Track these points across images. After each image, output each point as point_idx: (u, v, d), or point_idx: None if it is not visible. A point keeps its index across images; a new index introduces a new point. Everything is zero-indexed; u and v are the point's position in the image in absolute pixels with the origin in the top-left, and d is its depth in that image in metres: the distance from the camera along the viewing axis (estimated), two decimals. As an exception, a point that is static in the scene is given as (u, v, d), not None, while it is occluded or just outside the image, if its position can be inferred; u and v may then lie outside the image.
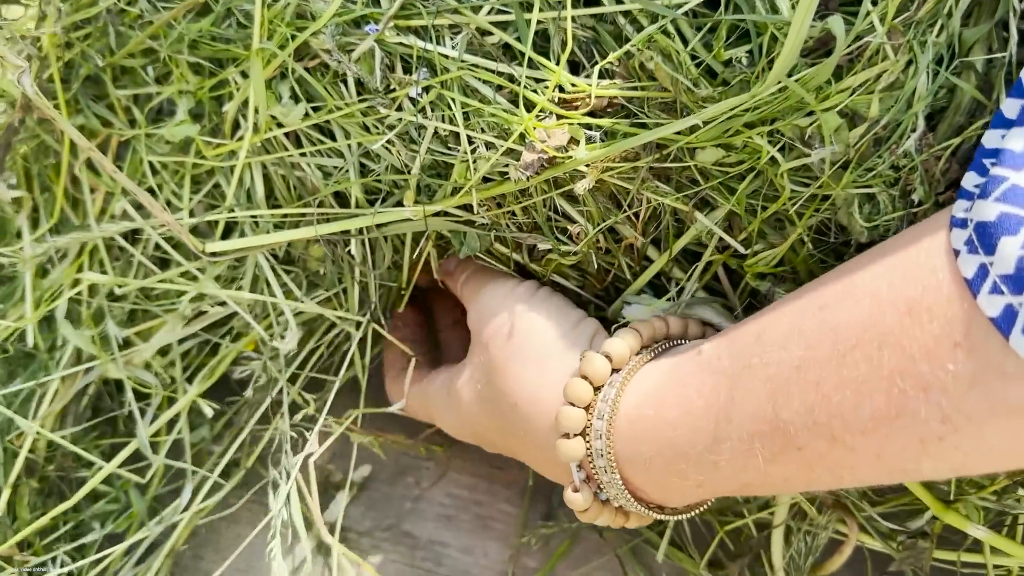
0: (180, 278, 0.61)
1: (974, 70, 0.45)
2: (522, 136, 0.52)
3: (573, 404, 0.43)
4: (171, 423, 0.69)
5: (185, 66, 0.56)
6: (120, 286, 0.61)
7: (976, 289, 0.28)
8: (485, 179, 0.56)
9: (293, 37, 0.53)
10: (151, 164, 0.60)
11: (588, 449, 0.43)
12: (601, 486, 0.44)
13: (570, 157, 0.50)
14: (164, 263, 0.66)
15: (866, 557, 0.65)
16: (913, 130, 0.44)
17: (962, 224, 0.31)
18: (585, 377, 0.44)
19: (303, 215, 0.63)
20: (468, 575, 0.71)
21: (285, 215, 0.63)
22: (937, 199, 0.45)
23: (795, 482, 0.36)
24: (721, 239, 0.51)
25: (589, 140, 0.51)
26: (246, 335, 0.67)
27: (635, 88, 0.49)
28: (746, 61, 0.44)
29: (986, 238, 0.28)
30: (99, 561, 0.65)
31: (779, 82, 0.41)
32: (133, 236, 0.66)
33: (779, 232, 0.48)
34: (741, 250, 0.50)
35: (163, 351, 0.67)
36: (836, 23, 0.40)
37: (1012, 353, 0.26)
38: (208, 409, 0.66)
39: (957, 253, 0.30)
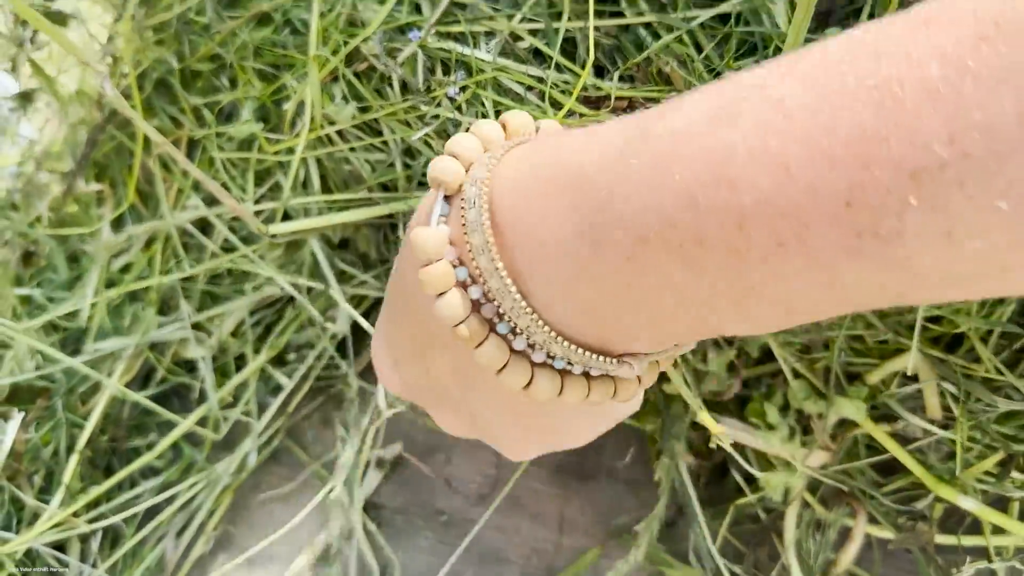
0: (244, 259, 0.68)
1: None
2: (549, 135, 0.57)
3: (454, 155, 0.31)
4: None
5: (251, 72, 0.63)
6: (193, 265, 0.69)
7: None
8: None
9: (345, 43, 0.59)
10: (219, 161, 0.67)
11: (463, 183, 0.30)
12: (470, 248, 0.29)
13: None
14: (229, 253, 0.74)
15: (873, 544, 0.66)
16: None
17: None
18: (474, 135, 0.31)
19: (352, 201, 0.70)
20: (500, 553, 0.71)
21: (336, 201, 0.70)
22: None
23: (719, 270, 0.23)
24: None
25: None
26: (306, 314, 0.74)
27: (653, 91, 0.54)
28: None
29: None
30: (153, 515, 0.72)
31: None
32: (202, 229, 0.73)
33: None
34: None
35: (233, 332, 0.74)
36: (835, 33, 0.44)
37: None
38: (284, 379, 0.73)
39: None
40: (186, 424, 0.70)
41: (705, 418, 0.55)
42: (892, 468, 0.64)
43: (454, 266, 0.29)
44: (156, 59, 0.65)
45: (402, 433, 0.78)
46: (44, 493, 0.72)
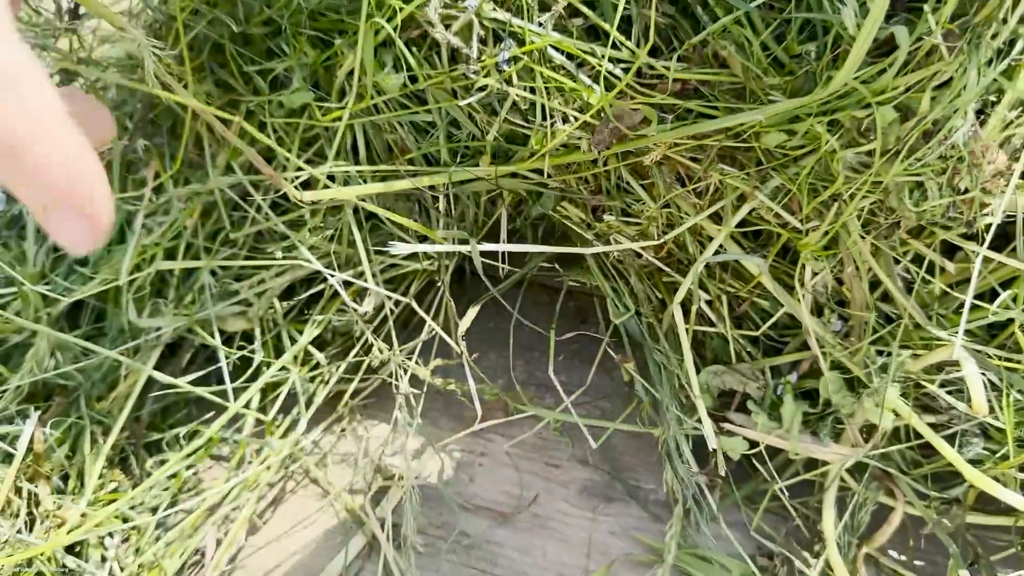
0: (284, 230, 0.68)
1: (1027, 69, 0.49)
2: (599, 112, 0.57)
3: None
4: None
5: (304, 39, 0.63)
6: (235, 230, 0.69)
7: None
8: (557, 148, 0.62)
9: (400, 10, 0.59)
10: (270, 126, 0.68)
11: None
12: None
13: (644, 135, 0.55)
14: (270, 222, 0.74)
15: (907, 524, 0.66)
16: (962, 124, 0.48)
17: None
18: None
19: (393, 172, 0.70)
20: (525, 576, 0.69)
21: (377, 170, 0.70)
22: (982, 188, 0.50)
23: None
24: (779, 216, 0.56)
25: (661, 120, 0.56)
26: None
27: (708, 74, 0.54)
28: (814, 55, 0.49)
29: None
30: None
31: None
32: (247, 199, 0.74)
33: (834, 216, 0.53)
34: (798, 226, 0.55)
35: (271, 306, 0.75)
36: (901, 32, 0.44)
37: None
38: (321, 356, 0.74)
39: None
40: (236, 407, 0.71)
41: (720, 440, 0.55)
42: (929, 447, 0.64)
43: None
44: (209, 21, 0.65)
45: (424, 452, 0.77)
46: (60, 493, 0.70)
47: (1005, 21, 0.46)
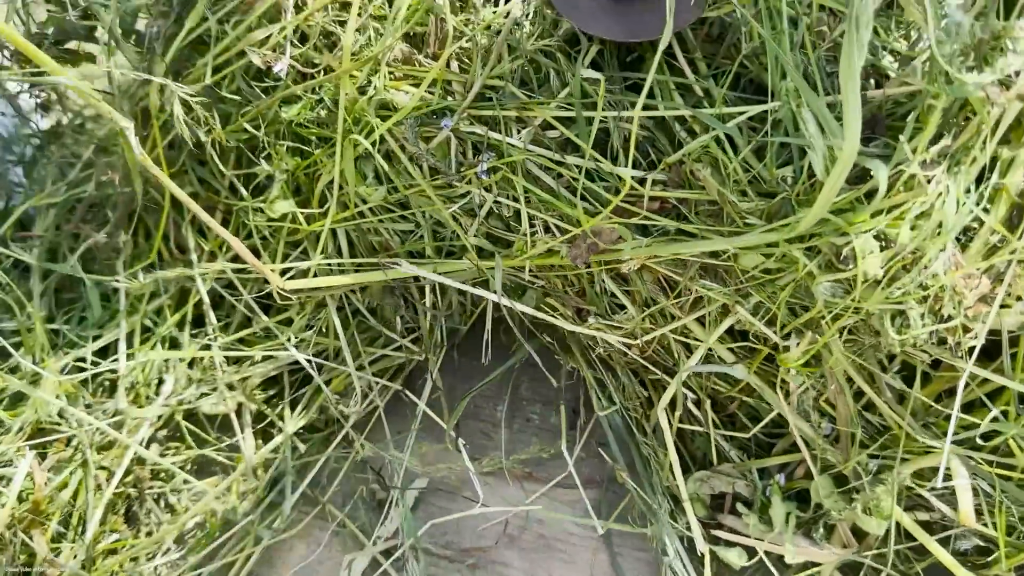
0: (274, 325, 0.68)
1: (1006, 193, 0.48)
2: (578, 224, 0.57)
3: None
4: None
5: (283, 149, 0.63)
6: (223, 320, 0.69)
7: None
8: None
9: (374, 129, 0.59)
10: (253, 228, 0.68)
11: None
12: None
13: (618, 250, 0.55)
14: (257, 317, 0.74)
15: None
16: (942, 253, 0.47)
17: None
18: None
19: (377, 265, 0.70)
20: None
21: (360, 263, 0.70)
22: (966, 314, 0.49)
23: None
24: (761, 322, 0.55)
25: (644, 232, 0.56)
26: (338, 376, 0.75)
27: (685, 194, 0.53)
28: (790, 180, 0.48)
29: None
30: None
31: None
32: (230, 293, 0.74)
33: (816, 331, 0.53)
34: (779, 343, 0.54)
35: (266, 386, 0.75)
36: (879, 168, 0.43)
37: None
38: (301, 445, 0.73)
39: None
40: (223, 486, 0.71)
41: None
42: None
43: None
44: (187, 122, 0.65)
45: (429, 470, 0.76)
46: (56, 542, 0.70)
47: (984, 146, 0.45)
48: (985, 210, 0.48)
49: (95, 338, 0.79)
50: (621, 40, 0.53)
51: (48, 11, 0.81)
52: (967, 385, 0.55)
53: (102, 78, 0.76)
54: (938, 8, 0.48)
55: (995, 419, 0.54)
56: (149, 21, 0.73)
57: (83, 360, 0.76)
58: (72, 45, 0.79)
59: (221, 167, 0.70)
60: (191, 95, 0.64)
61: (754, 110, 0.51)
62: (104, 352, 0.78)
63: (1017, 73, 0.48)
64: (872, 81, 0.55)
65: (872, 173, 0.45)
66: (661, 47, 0.44)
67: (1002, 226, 0.48)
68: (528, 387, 0.82)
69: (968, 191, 0.47)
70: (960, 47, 0.48)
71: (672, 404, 0.64)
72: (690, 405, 0.65)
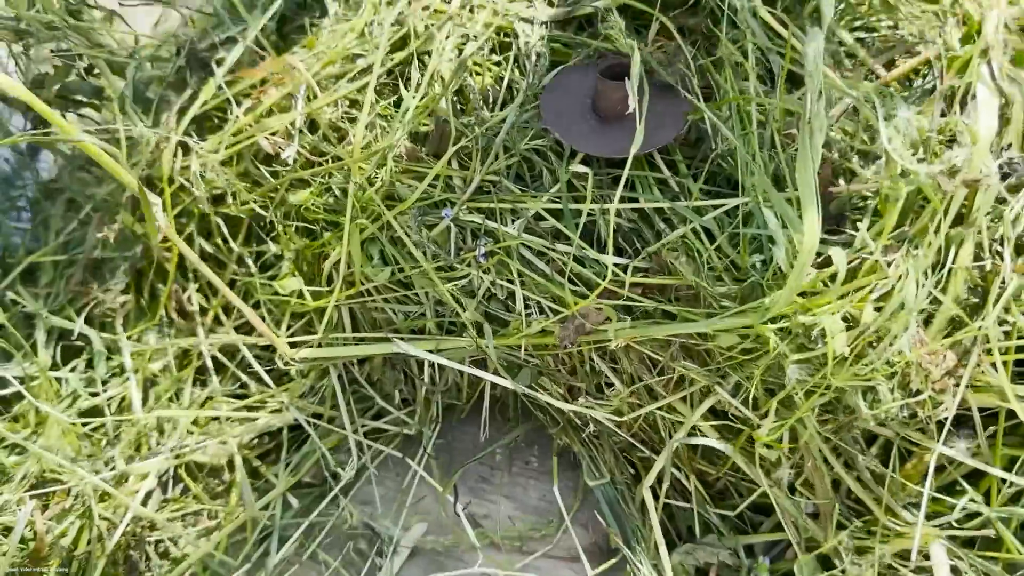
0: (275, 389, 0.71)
1: (967, 272, 0.52)
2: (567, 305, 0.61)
3: None
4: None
5: (292, 230, 0.68)
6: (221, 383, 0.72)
7: None
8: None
9: (380, 216, 0.64)
10: (262, 301, 0.72)
11: None
12: None
13: (604, 331, 0.58)
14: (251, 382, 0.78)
15: None
16: (905, 331, 0.51)
17: None
18: None
19: (381, 339, 0.73)
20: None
21: (363, 338, 0.74)
22: (934, 388, 0.52)
23: None
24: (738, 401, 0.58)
25: (630, 312, 0.60)
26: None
27: (664, 280, 0.57)
28: (760, 267, 0.52)
29: None
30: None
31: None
32: (231, 357, 0.78)
33: (791, 409, 0.55)
34: (755, 421, 0.56)
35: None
36: (838, 254, 0.48)
37: None
38: (294, 501, 0.75)
39: None
40: (216, 538, 0.72)
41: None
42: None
43: None
44: (195, 199, 0.71)
45: (427, 511, 0.75)
46: None
47: (938, 230, 0.50)
48: (942, 290, 0.51)
49: (93, 394, 0.81)
50: (607, 156, 0.59)
51: (54, 66, 0.88)
52: (946, 465, 0.57)
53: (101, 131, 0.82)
54: (890, 107, 0.54)
55: (975, 500, 0.55)
56: (162, 91, 0.80)
57: (89, 412, 0.79)
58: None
59: (231, 241, 0.76)
60: (208, 164, 0.70)
61: (727, 204, 0.56)
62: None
63: (962, 162, 0.53)
64: (841, 180, 0.60)
65: (835, 262, 0.49)
66: (629, 163, 0.49)
67: (957, 303, 0.51)
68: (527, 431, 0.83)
69: (927, 272, 0.51)
70: (911, 141, 0.53)
71: (660, 479, 0.66)
72: (680, 477, 0.67)
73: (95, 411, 0.81)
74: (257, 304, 0.75)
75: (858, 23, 0.68)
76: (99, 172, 0.90)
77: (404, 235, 0.66)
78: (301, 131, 0.68)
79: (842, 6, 0.68)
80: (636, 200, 0.60)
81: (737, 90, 0.60)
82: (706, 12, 0.67)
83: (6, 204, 0.97)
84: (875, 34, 0.68)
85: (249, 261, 0.75)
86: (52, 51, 0.85)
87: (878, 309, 0.51)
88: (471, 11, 0.69)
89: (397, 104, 0.68)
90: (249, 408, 0.78)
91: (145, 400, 0.81)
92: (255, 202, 0.72)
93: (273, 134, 0.68)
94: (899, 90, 0.63)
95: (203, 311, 0.81)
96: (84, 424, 0.78)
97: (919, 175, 0.52)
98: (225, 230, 0.77)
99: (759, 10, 0.62)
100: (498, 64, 0.68)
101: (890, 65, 0.64)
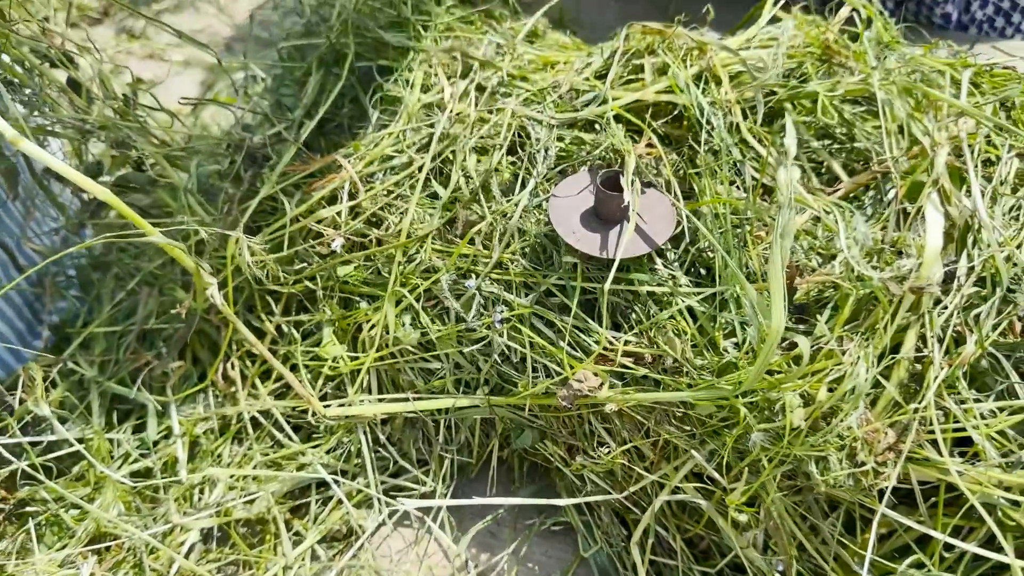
0: (307, 448, 0.80)
1: (907, 362, 0.61)
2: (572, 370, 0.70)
3: None
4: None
5: (333, 303, 0.78)
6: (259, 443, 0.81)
7: None
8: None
9: (418, 287, 0.75)
10: (301, 366, 0.82)
11: None
12: None
13: (596, 396, 0.68)
14: (284, 439, 0.87)
15: None
16: (855, 408, 0.60)
17: None
18: None
19: (404, 399, 0.83)
20: None
21: (393, 399, 0.83)
22: (876, 460, 0.60)
23: None
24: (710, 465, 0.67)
25: (623, 380, 0.69)
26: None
27: (654, 351, 0.67)
28: (732, 349, 0.62)
29: None
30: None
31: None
32: (266, 415, 0.88)
33: (758, 475, 0.64)
34: (725, 485, 0.65)
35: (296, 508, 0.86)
36: (803, 342, 0.57)
37: None
38: (323, 552, 0.83)
39: None
40: None
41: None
42: None
43: None
44: (249, 277, 0.81)
45: (441, 564, 0.81)
46: None
47: (886, 328, 0.59)
48: (886, 377, 0.61)
49: (144, 454, 0.90)
50: (601, 258, 0.69)
51: (112, 156, 0.99)
52: (895, 531, 0.65)
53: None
54: (850, 222, 0.64)
55: (920, 565, 0.63)
56: (225, 190, 0.92)
57: (141, 472, 0.88)
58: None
59: (275, 314, 0.86)
60: (263, 251, 0.81)
61: (706, 292, 0.66)
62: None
63: (910, 271, 0.63)
64: (804, 276, 0.70)
65: (800, 349, 0.59)
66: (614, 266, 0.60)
67: (898, 390, 0.61)
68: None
69: (875, 361, 0.60)
70: (866, 250, 0.64)
71: (648, 536, 0.74)
72: (667, 537, 0.75)
73: (145, 469, 0.89)
74: (294, 367, 0.85)
75: (820, 130, 0.79)
76: (144, 247, 1.01)
77: (430, 304, 0.76)
78: (347, 221, 0.79)
79: (810, 117, 0.79)
80: (631, 283, 0.71)
81: (715, 193, 0.71)
82: (688, 124, 0.79)
83: (61, 277, 1.06)
84: (834, 144, 0.79)
85: (293, 331, 0.85)
86: (110, 144, 0.97)
87: (831, 390, 0.60)
88: (491, 112, 0.81)
89: (431, 195, 0.79)
90: (280, 465, 0.87)
91: (190, 458, 0.90)
92: (304, 280, 0.82)
93: (319, 222, 0.79)
94: (855, 191, 0.74)
95: (243, 375, 0.91)
96: (135, 483, 0.87)
97: (872, 280, 0.62)
98: (273, 305, 0.88)
99: (732, 127, 0.73)
100: (513, 163, 0.79)
101: (849, 172, 0.75)
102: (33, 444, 0.88)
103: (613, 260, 0.70)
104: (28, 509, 0.88)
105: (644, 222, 0.69)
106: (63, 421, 0.92)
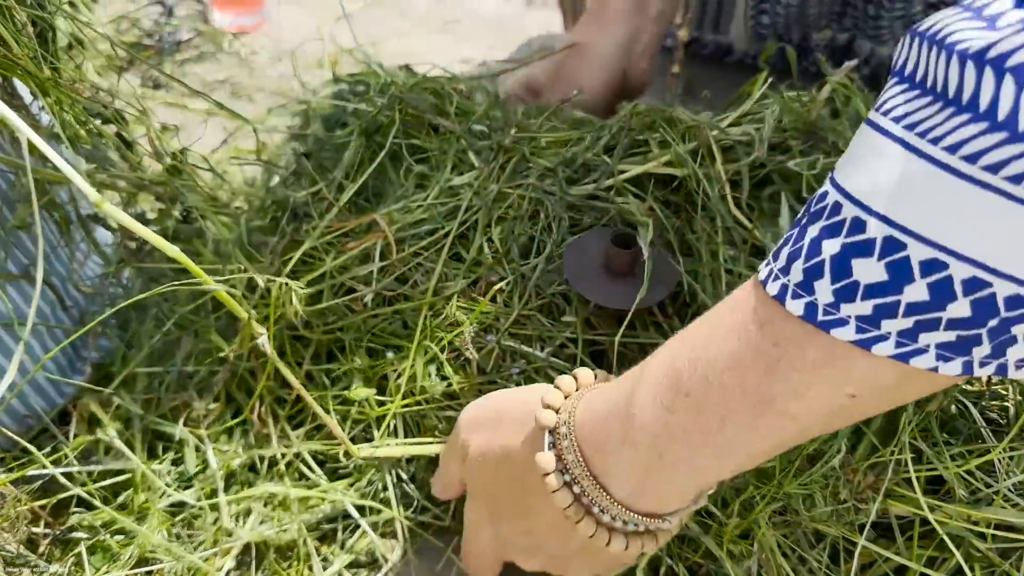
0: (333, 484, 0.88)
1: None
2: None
3: (549, 407, 0.57)
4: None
5: (362, 352, 0.87)
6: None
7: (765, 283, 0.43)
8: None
9: (443, 339, 0.83)
10: (332, 411, 0.90)
11: (557, 422, 0.55)
12: (566, 464, 0.54)
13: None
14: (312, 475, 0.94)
15: None
16: (839, 452, 0.68)
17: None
18: (558, 388, 0.59)
19: (428, 443, 0.90)
20: None
21: (417, 442, 0.91)
22: (857, 497, 0.68)
23: (692, 439, 0.47)
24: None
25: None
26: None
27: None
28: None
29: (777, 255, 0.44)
30: None
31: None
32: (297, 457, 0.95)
33: (750, 510, 0.71)
34: (722, 519, 0.73)
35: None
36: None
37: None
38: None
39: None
40: None
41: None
42: None
43: (560, 472, 0.54)
44: (286, 325, 0.90)
45: None
46: None
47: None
48: (867, 424, 0.69)
49: (186, 486, 0.98)
50: (614, 308, 0.78)
51: (159, 210, 1.07)
52: (875, 561, 0.73)
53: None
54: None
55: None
56: (269, 242, 1.00)
57: (182, 503, 0.95)
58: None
59: (305, 361, 0.94)
60: (305, 299, 0.89)
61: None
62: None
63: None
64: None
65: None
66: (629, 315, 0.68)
67: (876, 435, 0.69)
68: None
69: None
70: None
71: (656, 570, 0.81)
72: (672, 565, 0.82)
73: (182, 501, 0.96)
74: (324, 410, 0.93)
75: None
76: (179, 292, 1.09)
77: (453, 356, 0.84)
78: (379, 279, 0.88)
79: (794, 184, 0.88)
80: (637, 337, 0.79)
81: (711, 256, 0.80)
82: (685, 191, 0.88)
83: (102, 317, 1.13)
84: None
85: (324, 377, 0.93)
86: (156, 198, 1.06)
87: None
88: (511, 188, 0.90)
89: (455, 257, 0.88)
90: (309, 499, 0.94)
91: (227, 489, 0.97)
92: (335, 332, 0.91)
93: (352, 278, 0.88)
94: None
95: (274, 416, 0.98)
96: (176, 510, 0.95)
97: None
98: (303, 351, 0.96)
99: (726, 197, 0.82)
100: (531, 228, 0.88)
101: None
102: (80, 473, 0.95)
103: (623, 310, 0.78)
104: (74, 535, 0.94)
105: (652, 277, 0.77)
106: (107, 452, 1.00)
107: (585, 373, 0.61)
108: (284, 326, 0.95)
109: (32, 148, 0.62)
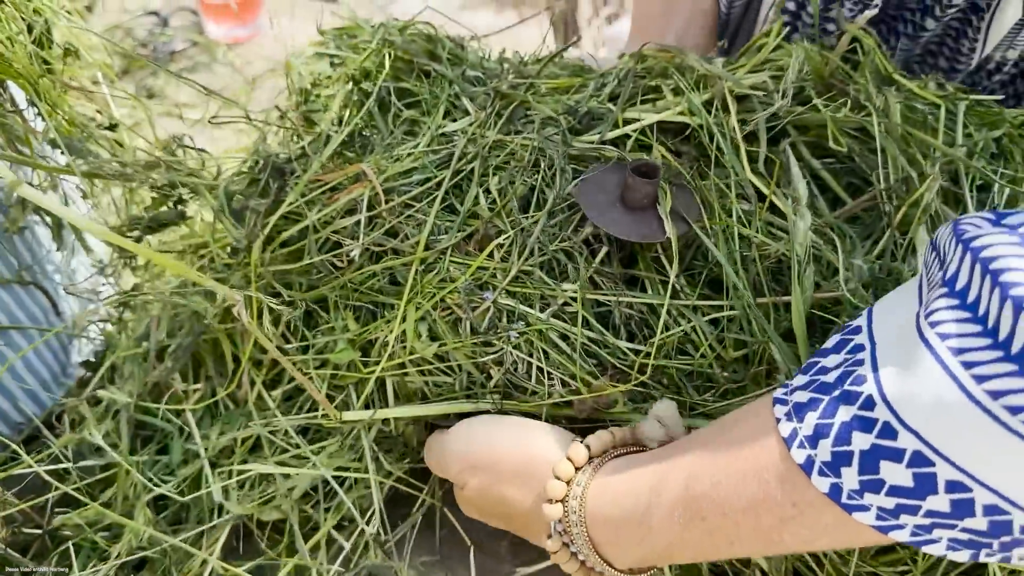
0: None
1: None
2: (587, 385, 0.73)
3: (559, 478, 0.61)
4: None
5: (349, 314, 0.80)
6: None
7: (790, 445, 0.47)
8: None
9: (435, 295, 0.77)
10: (315, 375, 0.84)
11: (565, 510, 0.60)
12: (572, 539, 0.59)
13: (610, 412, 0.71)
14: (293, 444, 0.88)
15: None
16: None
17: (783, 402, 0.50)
18: (569, 459, 0.62)
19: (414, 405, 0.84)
20: None
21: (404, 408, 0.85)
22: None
23: (703, 548, 0.53)
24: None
25: (632, 399, 0.72)
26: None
27: (672, 363, 0.70)
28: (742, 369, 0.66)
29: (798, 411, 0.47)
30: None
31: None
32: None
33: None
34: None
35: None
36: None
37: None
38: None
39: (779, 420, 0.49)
40: None
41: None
42: None
43: (565, 545, 0.62)
44: (264, 285, 0.83)
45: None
46: None
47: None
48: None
49: (170, 474, 0.92)
50: (635, 241, 0.72)
51: (152, 198, 1.01)
52: None
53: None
54: (848, 252, 0.68)
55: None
56: (246, 201, 0.93)
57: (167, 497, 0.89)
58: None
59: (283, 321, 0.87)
60: (283, 263, 0.82)
61: (716, 303, 0.70)
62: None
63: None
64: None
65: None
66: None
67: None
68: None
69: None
70: (864, 282, 0.67)
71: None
72: None
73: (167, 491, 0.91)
74: (304, 373, 0.86)
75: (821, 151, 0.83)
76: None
77: (447, 314, 0.78)
78: (366, 232, 0.81)
79: (812, 138, 0.83)
80: (646, 294, 0.74)
81: (724, 211, 0.75)
82: (696, 142, 0.82)
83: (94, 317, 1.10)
84: (836, 164, 0.83)
85: (306, 331, 0.86)
86: (151, 187, 0.99)
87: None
88: (509, 135, 0.84)
89: (448, 209, 0.81)
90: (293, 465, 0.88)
91: (213, 468, 0.91)
92: (319, 288, 0.84)
93: (337, 232, 0.81)
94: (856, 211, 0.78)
95: (251, 382, 0.92)
96: (163, 506, 0.88)
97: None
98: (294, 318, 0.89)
99: (739, 152, 0.77)
100: (532, 177, 0.82)
101: (850, 190, 0.79)
102: (67, 472, 0.91)
103: (632, 262, 0.73)
104: (61, 533, 0.90)
105: (671, 211, 0.72)
106: (96, 450, 0.93)
107: (598, 441, 0.66)
108: (264, 287, 0.88)
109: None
